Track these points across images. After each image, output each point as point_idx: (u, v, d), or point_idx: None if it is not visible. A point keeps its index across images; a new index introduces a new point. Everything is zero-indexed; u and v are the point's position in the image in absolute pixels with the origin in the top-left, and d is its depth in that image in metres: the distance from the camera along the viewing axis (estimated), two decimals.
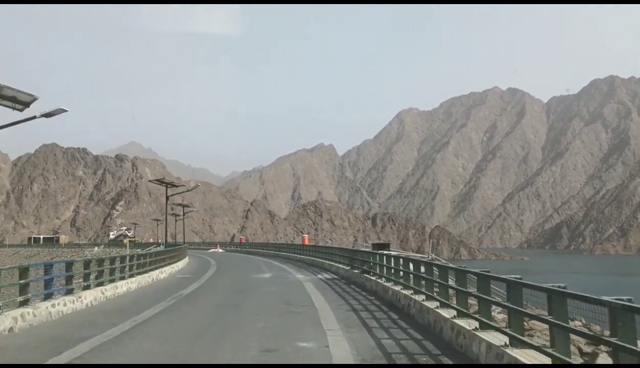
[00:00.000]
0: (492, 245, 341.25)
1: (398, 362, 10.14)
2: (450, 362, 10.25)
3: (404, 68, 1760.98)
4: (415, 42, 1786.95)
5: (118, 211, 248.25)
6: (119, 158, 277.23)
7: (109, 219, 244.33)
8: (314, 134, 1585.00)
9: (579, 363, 8.53)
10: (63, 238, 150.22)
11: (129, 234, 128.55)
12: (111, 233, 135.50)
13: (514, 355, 8.46)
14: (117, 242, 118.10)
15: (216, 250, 77.77)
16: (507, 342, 9.06)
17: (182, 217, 76.60)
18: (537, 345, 8.51)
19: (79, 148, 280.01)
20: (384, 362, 10.17)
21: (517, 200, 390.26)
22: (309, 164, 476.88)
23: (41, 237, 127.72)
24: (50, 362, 10.22)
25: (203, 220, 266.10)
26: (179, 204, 76.62)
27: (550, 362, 7.77)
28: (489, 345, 9.48)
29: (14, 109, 15.92)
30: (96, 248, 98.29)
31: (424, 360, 10.33)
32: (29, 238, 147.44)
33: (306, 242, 50.14)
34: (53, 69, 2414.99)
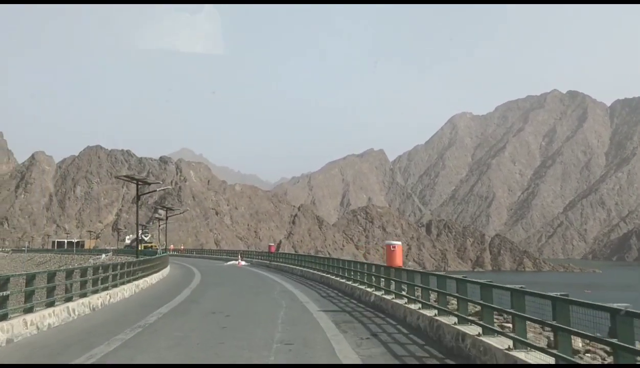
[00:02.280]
0: (553, 255, 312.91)
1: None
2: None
3: (456, 71, 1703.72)
4: (469, 44, 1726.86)
5: (160, 215, 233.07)
6: (163, 160, 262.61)
7: (150, 223, 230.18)
8: (364, 139, 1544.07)
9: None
10: (89, 243, 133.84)
11: (146, 238, 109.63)
12: (127, 237, 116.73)
13: None
14: (133, 248, 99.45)
15: (237, 262, 57.07)
16: None
17: (165, 220, 64.37)
18: None
19: (122, 150, 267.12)
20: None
21: (579, 209, 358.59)
22: (358, 170, 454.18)
23: (65, 241, 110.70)
24: None
25: (248, 225, 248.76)
26: (166, 207, 65.03)
27: None
28: None
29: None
30: (103, 255, 79.77)
31: None
32: (53, 243, 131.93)
33: (397, 260, 18.23)
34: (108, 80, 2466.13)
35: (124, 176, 31.25)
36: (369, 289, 20.06)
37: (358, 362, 10.02)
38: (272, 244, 56.88)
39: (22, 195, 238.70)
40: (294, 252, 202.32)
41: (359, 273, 23.00)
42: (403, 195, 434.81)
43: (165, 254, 48.86)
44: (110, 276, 21.16)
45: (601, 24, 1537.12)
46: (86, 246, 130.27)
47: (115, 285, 21.33)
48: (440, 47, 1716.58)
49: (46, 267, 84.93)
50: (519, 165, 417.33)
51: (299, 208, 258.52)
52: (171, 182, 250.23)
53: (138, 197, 33.21)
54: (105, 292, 19.50)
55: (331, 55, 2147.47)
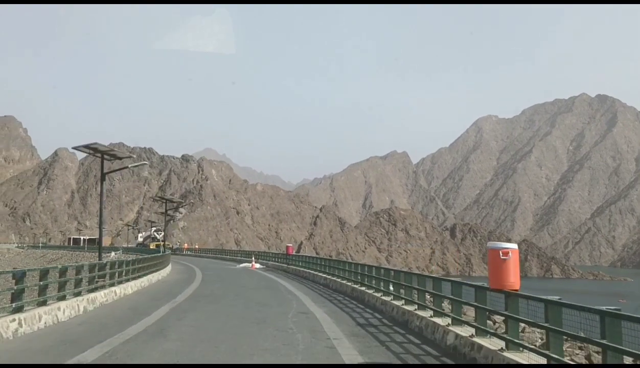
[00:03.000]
0: (580, 262, 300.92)
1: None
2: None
3: (482, 74, 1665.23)
4: (494, 46, 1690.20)
5: (181, 213, 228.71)
6: (185, 159, 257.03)
7: (172, 221, 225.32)
8: (387, 141, 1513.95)
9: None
10: (106, 240, 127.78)
11: (159, 236, 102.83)
12: (139, 235, 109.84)
13: None
14: (145, 246, 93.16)
15: (250, 265, 49.21)
16: None
17: (170, 216, 57.21)
18: None
19: (145, 148, 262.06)
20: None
21: (607, 215, 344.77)
22: (381, 172, 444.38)
23: (81, 238, 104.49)
24: None
25: (269, 225, 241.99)
26: (169, 200, 59.23)
27: None
28: None
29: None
30: (113, 253, 73.24)
31: None
32: (69, 239, 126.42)
33: (511, 278, 9.64)
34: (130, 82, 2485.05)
35: (83, 146, 23.17)
36: (438, 321, 12.02)
37: None
38: (291, 245, 48.06)
39: (44, 192, 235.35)
40: (314, 254, 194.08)
41: (416, 292, 14.76)
42: (426, 198, 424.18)
43: (165, 253, 42.44)
44: (38, 288, 13.50)
45: (631, 26, 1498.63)
46: (103, 244, 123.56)
47: (43, 303, 13.66)
48: (465, 50, 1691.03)
49: (58, 264, 78.75)
50: (545, 169, 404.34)
51: (320, 209, 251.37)
52: (193, 180, 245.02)
53: (103, 176, 25.73)
54: (11, 317, 11.76)
55: (354, 56, 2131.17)
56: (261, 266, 48.46)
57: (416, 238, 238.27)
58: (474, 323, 10.66)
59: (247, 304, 19.42)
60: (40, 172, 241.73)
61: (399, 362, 9.79)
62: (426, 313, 13.51)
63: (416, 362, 10.50)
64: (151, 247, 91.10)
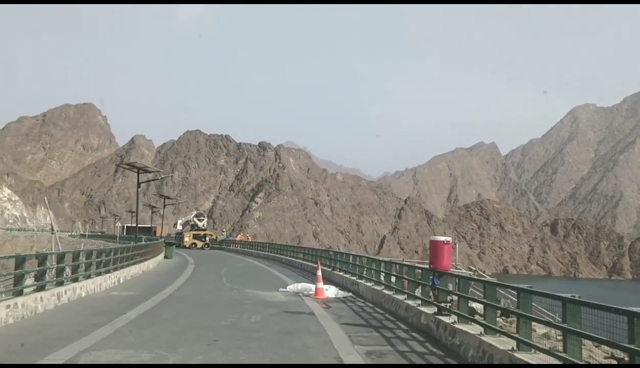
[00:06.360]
0: None
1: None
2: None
3: (578, 59, 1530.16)
4: (592, 30, 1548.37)
5: (257, 203, 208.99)
6: (262, 146, 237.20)
7: (247, 212, 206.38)
8: (474, 132, 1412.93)
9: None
10: (160, 230, 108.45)
11: (200, 224, 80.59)
12: (178, 222, 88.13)
13: None
14: (182, 235, 72.27)
15: (311, 289, 18.85)
16: None
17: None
18: None
19: (221, 135, 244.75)
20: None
21: None
22: (467, 164, 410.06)
23: (137, 226, 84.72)
24: None
25: (350, 218, 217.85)
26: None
27: None
28: None
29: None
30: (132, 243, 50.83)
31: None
32: (123, 227, 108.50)
33: None
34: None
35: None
36: None
37: None
38: (447, 240, 14.18)
39: (120, 180, 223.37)
40: (399, 250, 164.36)
41: None
42: (517, 192, 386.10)
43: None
44: None
45: None
46: (158, 233, 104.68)
47: None
48: (560, 33, 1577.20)
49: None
50: None
51: (405, 201, 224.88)
52: (270, 169, 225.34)
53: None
54: None
55: (442, 46, 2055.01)
56: (339, 294, 19.23)
57: (512, 235, 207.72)
58: None
59: None
60: (117, 159, 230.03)
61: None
62: None
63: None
64: (186, 239, 69.31)
